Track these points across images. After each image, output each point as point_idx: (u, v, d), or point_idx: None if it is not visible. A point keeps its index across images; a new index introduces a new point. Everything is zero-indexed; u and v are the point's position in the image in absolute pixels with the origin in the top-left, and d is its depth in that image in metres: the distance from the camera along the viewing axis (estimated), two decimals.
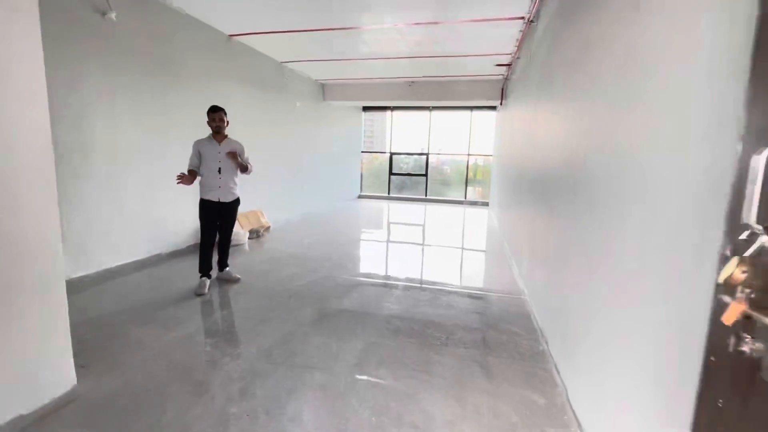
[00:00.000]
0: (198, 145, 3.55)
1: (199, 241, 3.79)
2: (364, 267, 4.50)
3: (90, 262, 3.68)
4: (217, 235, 3.71)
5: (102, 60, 3.66)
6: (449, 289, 3.80)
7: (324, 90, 8.71)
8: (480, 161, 11.25)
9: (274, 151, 6.79)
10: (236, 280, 3.79)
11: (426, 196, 11.29)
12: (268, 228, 6.41)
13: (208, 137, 3.58)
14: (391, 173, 11.49)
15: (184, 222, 4.79)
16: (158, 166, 4.32)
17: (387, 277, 4.12)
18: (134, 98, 4.00)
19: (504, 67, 6.67)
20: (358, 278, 3.99)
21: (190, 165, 3.54)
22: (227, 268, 3.85)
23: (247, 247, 5.32)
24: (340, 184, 10.13)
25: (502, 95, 7.76)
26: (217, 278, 3.82)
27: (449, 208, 10.26)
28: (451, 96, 8.22)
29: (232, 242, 5.24)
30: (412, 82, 8.12)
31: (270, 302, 3.28)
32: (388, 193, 11.57)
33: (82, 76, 3.50)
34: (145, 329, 2.69)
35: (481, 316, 3.10)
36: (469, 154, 11.07)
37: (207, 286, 3.52)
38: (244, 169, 3.64)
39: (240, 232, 5.38)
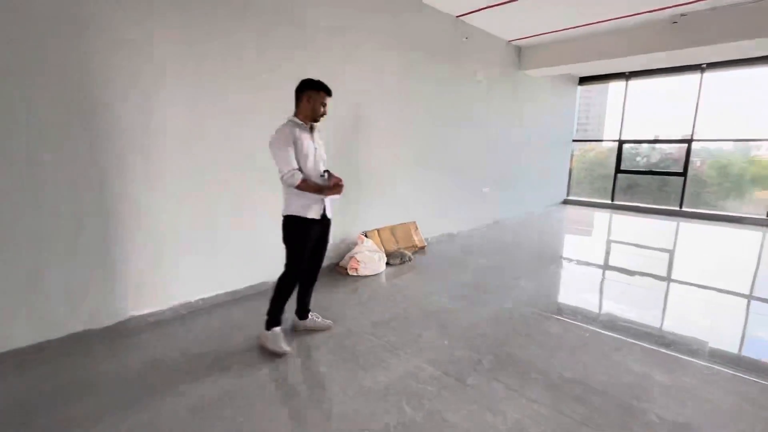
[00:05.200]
0: (294, 133, 2.20)
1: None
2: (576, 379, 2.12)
3: (158, 295, 2.76)
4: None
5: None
6: None
7: (521, 55, 6.24)
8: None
9: (441, 141, 4.95)
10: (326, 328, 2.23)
11: (681, 207, 7.17)
12: (423, 248, 4.66)
13: (301, 123, 2.25)
14: (618, 170, 7.87)
15: None
16: (262, 161, 3.15)
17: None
18: (200, 61, 2.86)
19: None
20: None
21: (292, 165, 2.19)
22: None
23: (383, 278, 3.71)
24: (539, 184, 7.42)
25: None
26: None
27: (728, 230, 6.06)
28: (758, 31, 4.36)
29: (365, 272, 3.73)
30: (682, 15, 4.70)
31: None
32: (612, 199, 7.99)
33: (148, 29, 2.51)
34: None
35: None
36: None
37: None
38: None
39: (375, 256, 3.82)
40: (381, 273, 3.81)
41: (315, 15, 3.36)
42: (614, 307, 3.10)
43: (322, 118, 2.33)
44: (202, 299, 2.96)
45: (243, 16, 2.90)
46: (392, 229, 4.41)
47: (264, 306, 2.41)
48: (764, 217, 6.43)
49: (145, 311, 2.69)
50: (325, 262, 3.71)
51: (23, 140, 2.14)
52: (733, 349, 2.52)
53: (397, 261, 4.07)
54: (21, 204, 2.16)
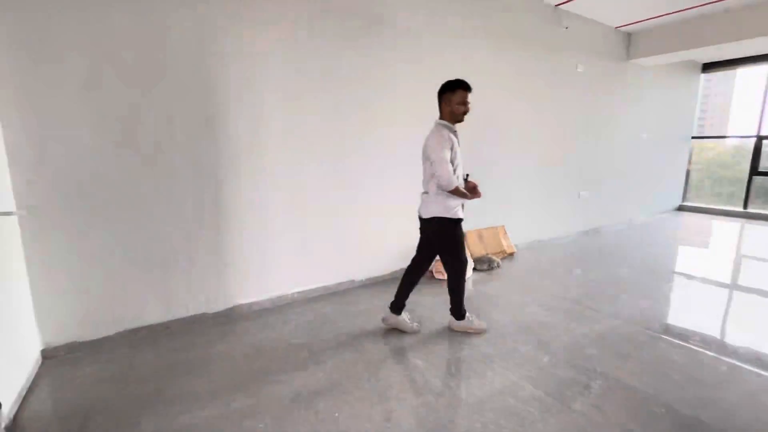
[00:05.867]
0: (450, 137, 2.27)
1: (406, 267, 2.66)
2: None
3: (260, 286, 2.98)
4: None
5: None
6: None
7: (630, 42, 5.56)
8: None
9: (533, 138, 4.62)
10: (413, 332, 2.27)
11: None
12: (512, 254, 4.40)
13: (450, 126, 2.32)
14: (754, 172, 6.60)
15: (388, 240, 3.57)
16: (352, 157, 3.24)
17: None
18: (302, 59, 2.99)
19: None
20: None
21: (450, 169, 2.25)
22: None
23: (471, 284, 3.58)
24: (649, 188, 6.54)
25: None
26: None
27: None
28: None
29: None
30: None
31: None
32: (745, 207, 6.73)
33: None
34: None
35: None
36: None
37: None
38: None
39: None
40: (468, 279, 3.67)
41: (408, 15, 3.35)
42: (760, 338, 2.56)
43: (464, 116, 2.29)
44: (298, 292, 3.14)
45: (349, 29, 3.01)
46: (479, 233, 4.23)
47: (354, 302, 2.49)
48: None
49: (249, 300, 2.93)
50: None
51: (162, 147, 2.46)
52: None
53: (485, 267, 3.88)
54: (156, 201, 2.49)
